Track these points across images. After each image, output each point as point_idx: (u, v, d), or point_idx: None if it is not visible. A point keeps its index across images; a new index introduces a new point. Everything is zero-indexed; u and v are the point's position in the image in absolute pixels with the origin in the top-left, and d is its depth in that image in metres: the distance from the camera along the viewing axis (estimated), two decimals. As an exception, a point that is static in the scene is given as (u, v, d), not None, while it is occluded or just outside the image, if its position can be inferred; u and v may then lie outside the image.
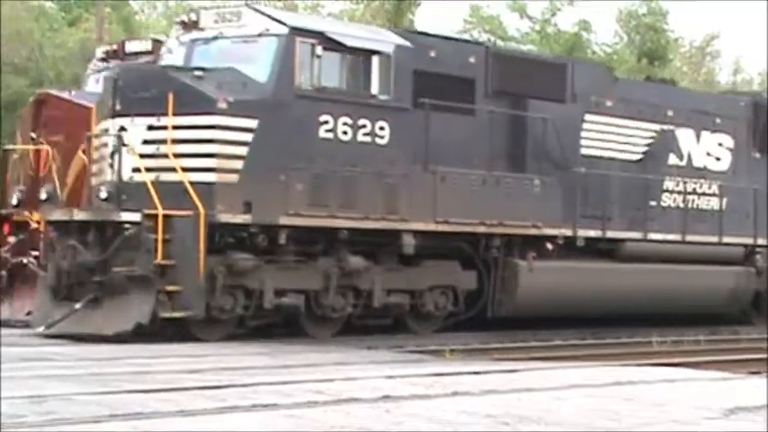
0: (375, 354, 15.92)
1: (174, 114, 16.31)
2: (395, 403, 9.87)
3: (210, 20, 17.54)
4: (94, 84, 20.83)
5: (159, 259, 15.87)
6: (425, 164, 18.25)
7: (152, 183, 16.06)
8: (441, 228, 18.40)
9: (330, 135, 17.25)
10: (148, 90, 16.54)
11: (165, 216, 15.92)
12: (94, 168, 17.45)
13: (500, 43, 41.14)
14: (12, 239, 19.41)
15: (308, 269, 17.34)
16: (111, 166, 16.60)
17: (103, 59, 21.42)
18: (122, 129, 16.57)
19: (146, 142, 16.48)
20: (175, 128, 16.36)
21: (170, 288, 15.98)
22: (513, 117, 19.65)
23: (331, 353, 15.57)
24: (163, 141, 16.39)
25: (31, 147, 20.01)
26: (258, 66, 16.99)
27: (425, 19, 50.53)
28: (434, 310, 18.87)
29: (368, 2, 42.79)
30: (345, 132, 17.41)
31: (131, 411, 9.02)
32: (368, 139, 17.63)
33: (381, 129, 17.76)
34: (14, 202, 19.96)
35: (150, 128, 16.49)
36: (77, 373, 12.07)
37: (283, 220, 16.80)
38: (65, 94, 20.54)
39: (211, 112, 16.35)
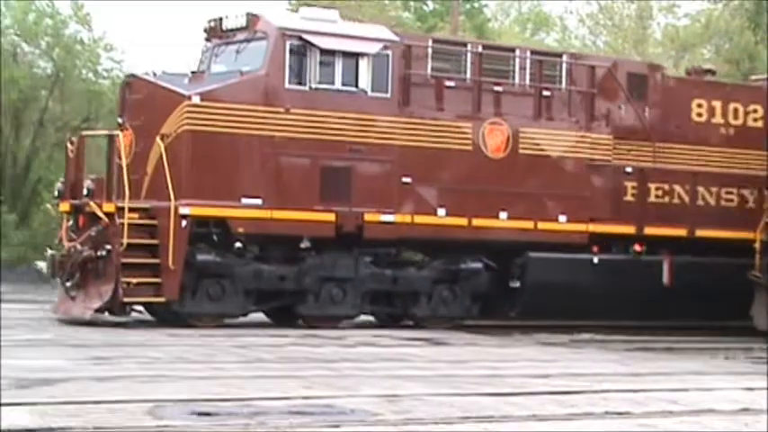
0: (733, 364, 15.84)
1: None
2: (754, 417, 9.71)
3: None
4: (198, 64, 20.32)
5: None
6: None
7: None
8: None
9: None
10: None
11: None
12: None
13: None
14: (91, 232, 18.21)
15: None
16: None
17: (207, 39, 20.42)
18: None
19: None
20: None
21: None
22: None
23: (684, 362, 15.68)
24: None
25: (104, 132, 19.48)
26: None
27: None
28: None
29: (726, 2, 41.51)
30: None
31: (483, 414, 9.20)
32: None
33: None
34: (84, 191, 18.73)
35: None
36: (430, 375, 12.44)
37: None
38: (149, 76, 19.71)
39: None
